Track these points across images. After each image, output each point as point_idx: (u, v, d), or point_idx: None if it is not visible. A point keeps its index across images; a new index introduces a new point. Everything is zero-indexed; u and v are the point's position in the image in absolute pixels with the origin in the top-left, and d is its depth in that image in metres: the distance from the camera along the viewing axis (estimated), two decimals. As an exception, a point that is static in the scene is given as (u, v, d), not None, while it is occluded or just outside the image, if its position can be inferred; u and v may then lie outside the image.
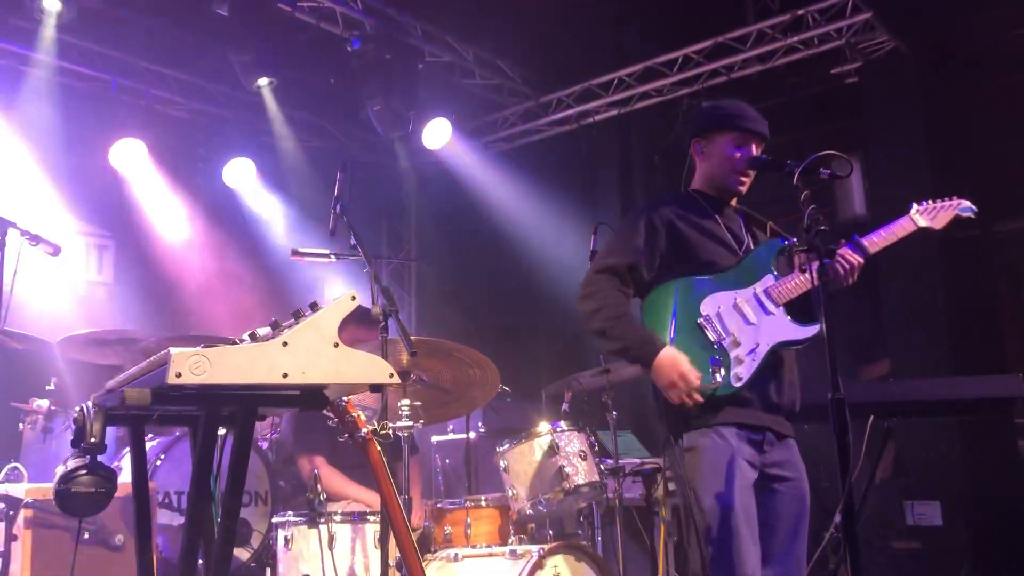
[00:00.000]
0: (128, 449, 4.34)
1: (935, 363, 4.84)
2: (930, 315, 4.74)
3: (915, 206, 2.91)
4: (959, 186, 5.95)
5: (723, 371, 2.68)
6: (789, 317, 2.79)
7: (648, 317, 2.83)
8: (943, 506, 5.29)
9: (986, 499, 5.50)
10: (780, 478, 2.76)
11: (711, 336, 2.74)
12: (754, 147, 2.91)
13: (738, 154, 2.89)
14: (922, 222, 2.90)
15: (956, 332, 5.67)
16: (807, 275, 2.73)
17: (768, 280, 2.84)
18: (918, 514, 4.99)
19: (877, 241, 2.85)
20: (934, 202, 2.92)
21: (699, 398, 2.66)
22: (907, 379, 4.39)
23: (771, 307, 2.79)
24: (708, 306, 2.78)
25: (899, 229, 2.89)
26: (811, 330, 2.77)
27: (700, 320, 2.76)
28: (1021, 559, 5.38)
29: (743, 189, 2.96)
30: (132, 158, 6.41)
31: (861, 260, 2.79)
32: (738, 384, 2.69)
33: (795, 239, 2.76)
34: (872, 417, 3.65)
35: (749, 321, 2.76)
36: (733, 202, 3.02)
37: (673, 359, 2.68)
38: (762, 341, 2.74)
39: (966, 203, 2.91)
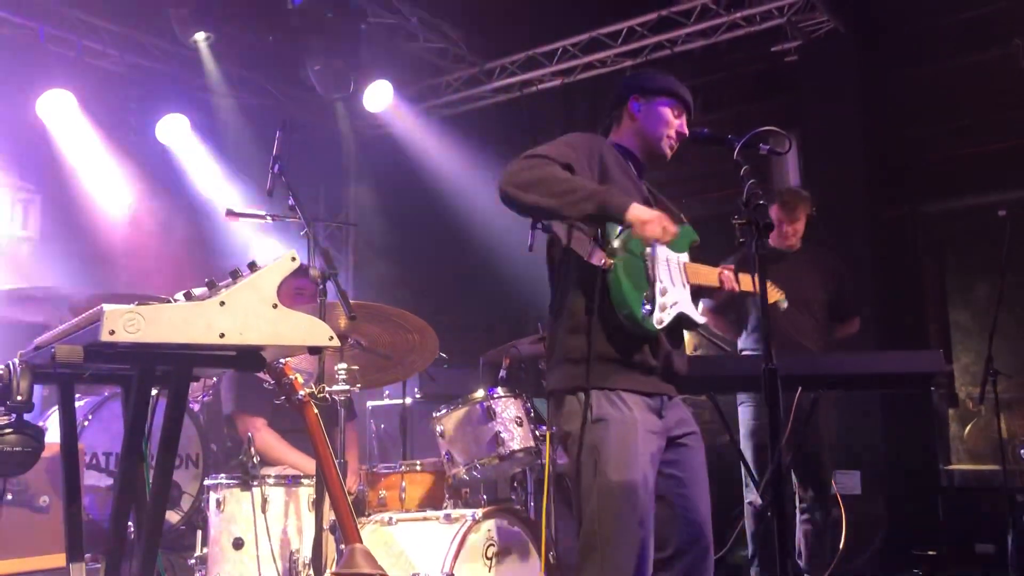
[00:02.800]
0: (53, 410, 4.25)
1: (861, 337, 5.00)
2: (857, 292, 4.90)
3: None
4: (890, 166, 6.20)
5: (649, 307, 2.67)
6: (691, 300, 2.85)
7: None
8: (863, 475, 5.49)
9: (902, 469, 5.73)
10: (685, 434, 2.82)
11: (650, 272, 2.72)
12: (683, 120, 2.97)
13: (676, 121, 2.93)
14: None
15: (881, 308, 5.85)
16: (718, 270, 2.91)
17: (685, 257, 2.89)
18: (839, 483, 5.16)
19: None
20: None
21: (673, 230, 2.60)
22: (834, 353, 4.54)
23: (684, 282, 2.84)
24: (652, 248, 2.75)
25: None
26: (702, 319, 2.86)
27: (643, 254, 2.72)
28: (932, 527, 5.63)
29: (669, 156, 2.96)
30: (61, 110, 6.17)
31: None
32: (658, 326, 2.68)
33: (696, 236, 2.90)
34: (800, 389, 3.78)
35: (674, 282, 2.80)
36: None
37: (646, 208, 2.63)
38: (679, 303, 2.77)
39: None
